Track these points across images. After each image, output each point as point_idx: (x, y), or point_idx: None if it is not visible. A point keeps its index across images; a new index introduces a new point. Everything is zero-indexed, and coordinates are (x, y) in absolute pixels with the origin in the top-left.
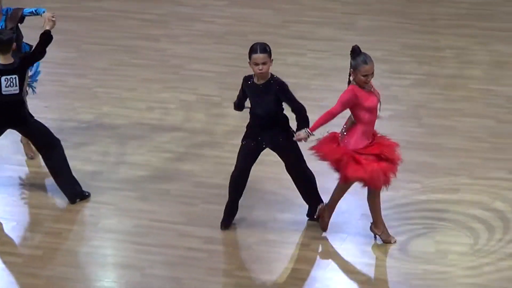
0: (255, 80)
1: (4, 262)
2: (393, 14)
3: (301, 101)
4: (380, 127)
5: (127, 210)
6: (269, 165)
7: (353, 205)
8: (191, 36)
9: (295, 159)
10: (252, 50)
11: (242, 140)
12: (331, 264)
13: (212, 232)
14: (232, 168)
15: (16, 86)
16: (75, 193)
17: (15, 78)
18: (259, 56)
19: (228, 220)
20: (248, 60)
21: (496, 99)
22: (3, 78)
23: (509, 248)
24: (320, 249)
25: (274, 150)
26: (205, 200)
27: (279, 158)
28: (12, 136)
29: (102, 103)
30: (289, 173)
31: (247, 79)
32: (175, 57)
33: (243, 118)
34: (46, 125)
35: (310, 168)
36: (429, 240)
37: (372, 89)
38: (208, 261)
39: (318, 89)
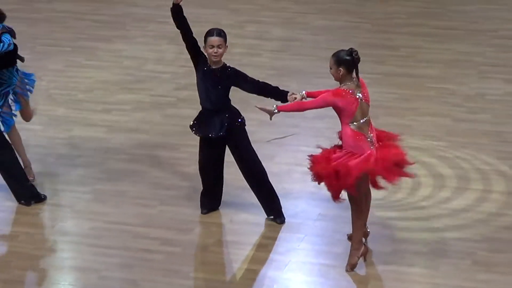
0: (212, 66)
1: None
2: (347, 13)
3: (255, 101)
4: (336, 126)
5: (83, 212)
6: (225, 167)
7: (311, 204)
8: (146, 37)
9: (246, 149)
10: (208, 33)
11: (191, 128)
12: (289, 264)
13: (168, 234)
14: (188, 169)
15: None
16: (31, 195)
17: None
18: (215, 39)
19: (204, 206)
20: (203, 44)
21: (452, 98)
22: None
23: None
24: (277, 250)
25: (227, 140)
26: (162, 201)
27: (233, 158)
28: None
29: (57, 104)
30: (241, 167)
31: (204, 61)
32: (130, 58)
33: None
34: None
35: None
36: (387, 240)
37: None
38: (165, 263)
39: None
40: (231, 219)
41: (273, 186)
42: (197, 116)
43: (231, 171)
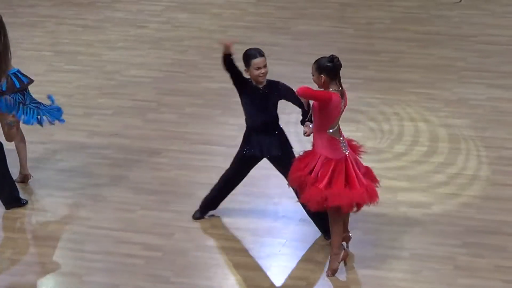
0: (255, 85)
1: None
2: (328, 18)
3: (238, 106)
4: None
5: (64, 217)
6: (205, 171)
7: (291, 209)
8: (126, 41)
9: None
10: (251, 56)
11: (243, 149)
12: (270, 269)
13: (149, 239)
14: (169, 174)
15: None
16: (12, 198)
17: None
18: (260, 60)
19: (203, 212)
20: (245, 68)
21: (434, 103)
22: None
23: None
24: (259, 254)
25: (272, 160)
26: (143, 206)
27: (214, 163)
28: None
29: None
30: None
31: (250, 84)
32: (111, 63)
33: (180, 123)
34: None
35: None
36: (368, 244)
37: None
38: (146, 267)
39: None
40: (212, 224)
41: (258, 191)
42: (246, 139)
43: (211, 176)
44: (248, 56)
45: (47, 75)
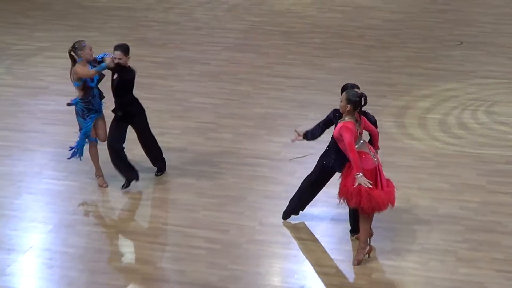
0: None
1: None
2: (355, 57)
3: (281, 127)
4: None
5: (141, 216)
6: (254, 180)
7: (324, 211)
8: (192, 75)
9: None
10: (347, 88)
11: (323, 160)
12: (307, 259)
13: (210, 234)
14: (225, 181)
15: None
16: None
17: None
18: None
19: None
20: (342, 100)
21: (441, 125)
22: None
23: (449, 246)
24: (297, 247)
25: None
26: (205, 207)
27: (261, 173)
28: (48, 156)
29: None
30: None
31: (336, 111)
32: (179, 92)
33: (235, 141)
34: None
35: None
36: (387, 240)
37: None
38: (207, 256)
39: (295, 118)
40: (260, 222)
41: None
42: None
43: (259, 183)
44: (344, 89)
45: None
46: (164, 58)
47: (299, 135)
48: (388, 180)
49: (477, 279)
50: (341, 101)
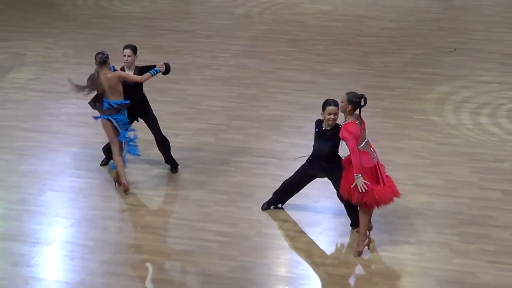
0: (324, 127)
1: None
2: (355, 63)
3: (287, 128)
4: (346, 148)
5: (157, 211)
6: (263, 177)
7: (327, 206)
8: (204, 80)
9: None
10: (327, 103)
11: (307, 169)
12: (311, 251)
13: (221, 227)
14: (235, 179)
15: None
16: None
17: None
18: (332, 108)
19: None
20: (321, 111)
21: (435, 127)
22: None
23: (443, 238)
24: (302, 240)
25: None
26: (216, 203)
27: (269, 171)
28: (70, 156)
29: (138, 131)
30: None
31: (319, 122)
32: (192, 96)
33: (244, 141)
34: None
35: None
36: (385, 233)
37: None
38: (218, 249)
39: (299, 120)
40: (267, 217)
41: (301, 192)
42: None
43: (266, 181)
44: (324, 104)
45: None
46: (178, 64)
47: None
48: (388, 176)
49: (469, 269)
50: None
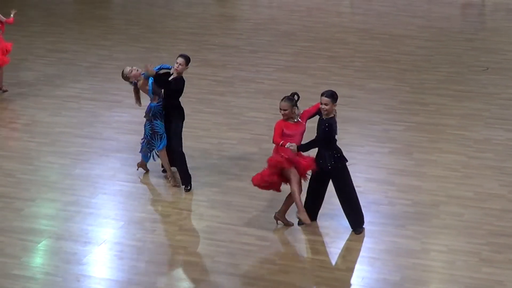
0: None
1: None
2: (391, 79)
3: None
4: (382, 159)
5: (201, 215)
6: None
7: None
8: (248, 92)
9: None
10: (322, 94)
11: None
12: (347, 256)
13: (261, 232)
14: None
15: None
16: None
17: None
18: (323, 99)
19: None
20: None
21: (467, 141)
22: None
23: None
24: (339, 246)
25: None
26: (256, 209)
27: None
28: (121, 161)
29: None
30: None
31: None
32: (236, 107)
33: None
34: None
35: None
36: (417, 241)
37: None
38: (258, 252)
39: (338, 132)
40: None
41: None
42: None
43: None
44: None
45: (192, 115)
46: (223, 77)
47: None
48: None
49: (498, 278)
50: (326, 105)
